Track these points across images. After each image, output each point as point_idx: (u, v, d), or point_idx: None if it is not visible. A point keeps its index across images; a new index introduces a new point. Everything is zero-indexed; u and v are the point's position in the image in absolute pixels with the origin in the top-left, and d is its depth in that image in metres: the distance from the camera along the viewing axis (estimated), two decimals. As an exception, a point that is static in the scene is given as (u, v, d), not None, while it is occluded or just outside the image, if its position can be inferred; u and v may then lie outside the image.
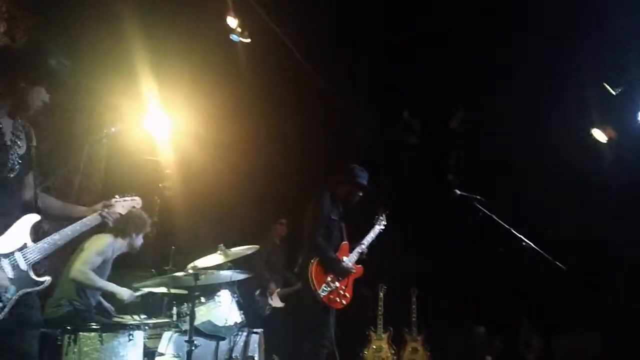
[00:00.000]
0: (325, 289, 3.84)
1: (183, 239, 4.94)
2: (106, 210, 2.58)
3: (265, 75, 5.58)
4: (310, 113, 6.02)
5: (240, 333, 3.81)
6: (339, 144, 6.23)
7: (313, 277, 3.80)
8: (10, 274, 2.17)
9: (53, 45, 2.33)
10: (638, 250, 5.37)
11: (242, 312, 3.90)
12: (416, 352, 6.17)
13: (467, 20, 5.04)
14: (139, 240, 3.93)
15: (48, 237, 2.33)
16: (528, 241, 3.63)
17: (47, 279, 2.31)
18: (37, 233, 2.34)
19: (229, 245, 3.53)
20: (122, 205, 2.70)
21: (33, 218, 2.30)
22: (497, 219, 3.75)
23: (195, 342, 3.27)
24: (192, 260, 3.46)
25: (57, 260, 3.79)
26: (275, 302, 5.76)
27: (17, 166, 2.26)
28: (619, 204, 5.53)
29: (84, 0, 4.32)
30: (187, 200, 5.32)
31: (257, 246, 3.71)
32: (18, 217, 2.26)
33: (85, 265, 3.53)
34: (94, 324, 3.26)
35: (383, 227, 4.39)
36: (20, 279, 2.21)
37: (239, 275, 3.65)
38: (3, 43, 3.51)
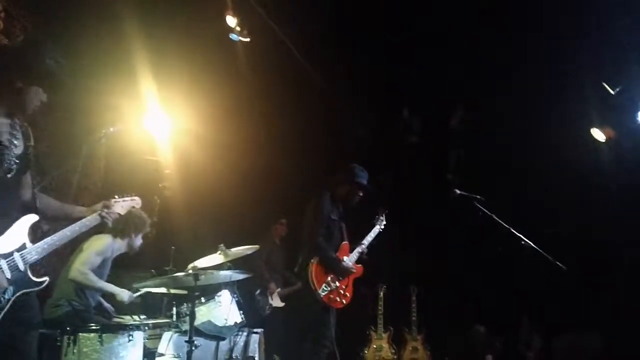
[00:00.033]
0: (325, 288, 3.83)
1: (183, 239, 4.93)
2: (105, 210, 2.57)
3: (265, 75, 5.58)
4: (310, 113, 6.01)
5: (240, 333, 3.81)
6: (339, 143, 6.23)
7: (313, 276, 3.79)
8: (8, 274, 2.17)
9: (50, 44, 2.32)
10: (638, 250, 5.36)
11: (242, 312, 3.90)
12: (416, 352, 6.17)
13: (467, 20, 5.03)
14: (138, 241, 3.92)
15: (47, 238, 2.33)
16: (527, 240, 3.63)
17: (45, 279, 2.30)
18: (36, 233, 2.34)
19: (229, 245, 3.54)
20: (122, 205, 2.69)
21: (31, 218, 2.30)
22: (496, 219, 3.75)
23: (195, 342, 3.26)
24: (192, 261, 3.46)
25: (56, 261, 3.79)
26: (276, 301, 5.76)
27: (15, 166, 2.25)
28: (618, 203, 5.53)
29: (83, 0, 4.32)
30: (186, 200, 5.31)
31: (257, 246, 3.71)
32: (17, 218, 2.25)
33: (84, 265, 3.52)
34: (93, 324, 3.26)
35: (383, 227, 4.40)
36: (19, 279, 2.20)
37: (238, 275, 3.64)
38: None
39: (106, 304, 3.84)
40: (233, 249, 3.54)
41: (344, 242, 4.12)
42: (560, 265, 3.57)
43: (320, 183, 4.22)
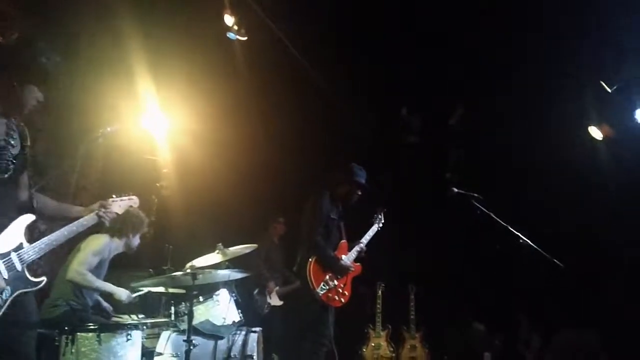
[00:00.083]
0: (323, 287, 3.83)
1: (181, 239, 4.93)
2: (103, 210, 2.58)
3: (263, 74, 5.57)
4: (308, 111, 6.01)
5: (238, 332, 3.80)
6: (338, 142, 6.22)
7: (311, 275, 3.80)
8: (5, 274, 2.17)
9: (44, 43, 2.32)
10: (638, 250, 5.36)
11: (240, 311, 3.91)
12: (415, 350, 6.18)
13: (467, 20, 5.02)
14: (136, 240, 3.92)
15: (44, 238, 2.33)
16: (525, 239, 3.64)
17: (43, 279, 2.31)
18: (33, 233, 2.34)
19: (227, 245, 3.53)
20: (119, 204, 2.70)
21: (28, 218, 2.30)
22: (494, 217, 3.75)
23: (193, 341, 3.27)
24: (190, 260, 3.45)
25: (54, 261, 3.79)
26: (274, 300, 5.76)
27: (12, 166, 2.26)
28: (618, 203, 5.53)
29: (82, -1, 4.31)
30: (184, 200, 5.31)
31: (255, 245, 3.70)
32: (14, 218, 2.26)
33: (82, 265, 3.52)
34: (91, 324, 3.26)
35: (381, 226, 4.40)
36: (16, 279, 2.21)
37: (237, 275, 3.64)
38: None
39: (105, 304, 3.84)
40: (231, 248, 3.54)
41: (342, 241, 4.12)
42: (558, 262, 3.57)
43: (319, 182, 4.22)
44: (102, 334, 3.12)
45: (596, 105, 5.40)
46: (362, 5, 4.94)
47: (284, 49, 5.28)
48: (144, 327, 3.51)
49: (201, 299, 3.79)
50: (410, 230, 6.12)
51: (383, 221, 4.43)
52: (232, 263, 3.74)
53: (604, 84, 4.90)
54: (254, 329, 3.96)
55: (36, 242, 2.29)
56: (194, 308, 3.40)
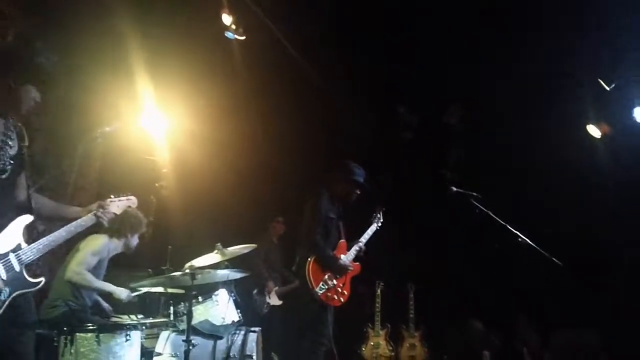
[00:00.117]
0: (322, 286, 3.83)
1: (180, 239, 4.93)
2: (101, 210, 2.57)
3: (262, 74, 5.57)
4: (308, 111, 6.00)
5: (238, 332, 3.80)
6: (337, 142, 6.22)
7: (310, 275, 3.79)
8: (4, 275, 2.17)
9: (42, 43, 2.31)
10: (638, 250, 5.36)
11: (239, 310, 3.90)
12: (414, 348, 6.19)
13: (467, 20, 5.01)
14: (134, 241, 3.92)
15: (42, 238, 2.33)
16: (524, 237, 3.63)
17: (41, 280, 2.30)
18: (31, 234, 2.33)
19: (226, 244, 3.53)
20: (118, 205, 2.69)
21: (26, 219, 2.29)
22: (493, 216, 3.75)
23: (192, 341, 3.28)
24: (189, 260, 3.45)
25: (52, 261, 3.79)
26: (273, 300, 5.76)
27: (9, 167, 2.25)
28: (617, 202, 5.52)
29: (81, -1, 4.31)
30: (183, 199, 5.30)
31: (254, 245, 3.70)
32: (12, 219, 2.25)
33: (80, 266, 3.52)
34: (90, 324, 3.26)
35: (380, 225, 4.40)
36: (15, 280, 2.20)
37: (236, 274, 3.64)
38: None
39: (104, 304, 3.84)
40: (230, 248, 3.54)
41: (341, 240, 4.12)
42: (557, 261, 3.57)
43: (318, 181, 4.22)
44: (101, 334, 3.12)
45: (594, 104, 5.40)
46: (361, 5, 4.93)
47: (283, 49, 5.27)
48: (143, 327, 3.51)
49: (200, 299, 3.79)
50: (409, 229, 6.11)
51: (382, 220, 4.43)
52: (231, 263, 3.75)
53: (602, 82, 4.90)
54: (253, 329, 3.96)
55: (34, 243, 2.29)
56: (193, 308, 3.40)
